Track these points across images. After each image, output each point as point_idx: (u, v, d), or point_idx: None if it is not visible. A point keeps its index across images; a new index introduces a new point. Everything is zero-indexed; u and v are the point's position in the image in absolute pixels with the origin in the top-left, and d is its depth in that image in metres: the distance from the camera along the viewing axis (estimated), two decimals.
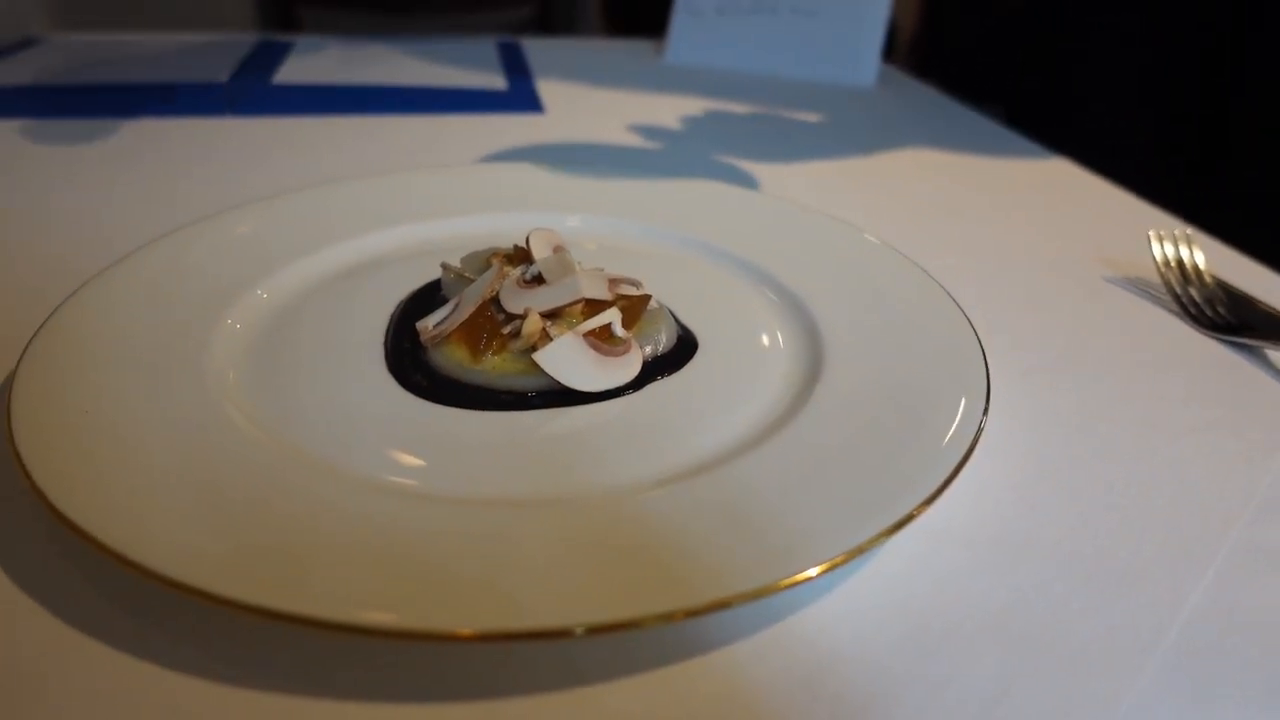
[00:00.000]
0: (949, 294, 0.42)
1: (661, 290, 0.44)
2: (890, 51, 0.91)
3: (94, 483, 0.28)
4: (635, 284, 0.42)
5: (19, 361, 0.33)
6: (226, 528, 0.27)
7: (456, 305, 0.38)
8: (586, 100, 0.81)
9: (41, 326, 0.35)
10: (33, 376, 0.32)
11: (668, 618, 0.25)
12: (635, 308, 0.39)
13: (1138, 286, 0.50)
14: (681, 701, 0.25)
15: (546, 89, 0.82)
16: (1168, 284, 0.48)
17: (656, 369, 0.38)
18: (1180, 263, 0.49)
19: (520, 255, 0.43)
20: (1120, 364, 0.43)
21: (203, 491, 0.29)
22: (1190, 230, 0.53)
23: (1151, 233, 0.49)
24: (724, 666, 0.26)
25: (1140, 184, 0.66)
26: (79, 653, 0.26)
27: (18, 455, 0.29)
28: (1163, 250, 0.48)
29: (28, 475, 0.28)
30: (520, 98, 0.78)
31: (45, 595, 0.27)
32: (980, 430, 0.33)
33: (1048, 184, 0.66)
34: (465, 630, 0.24)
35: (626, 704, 0.25)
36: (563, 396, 0.36)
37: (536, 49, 0.96)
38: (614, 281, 0.41)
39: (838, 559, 0.27)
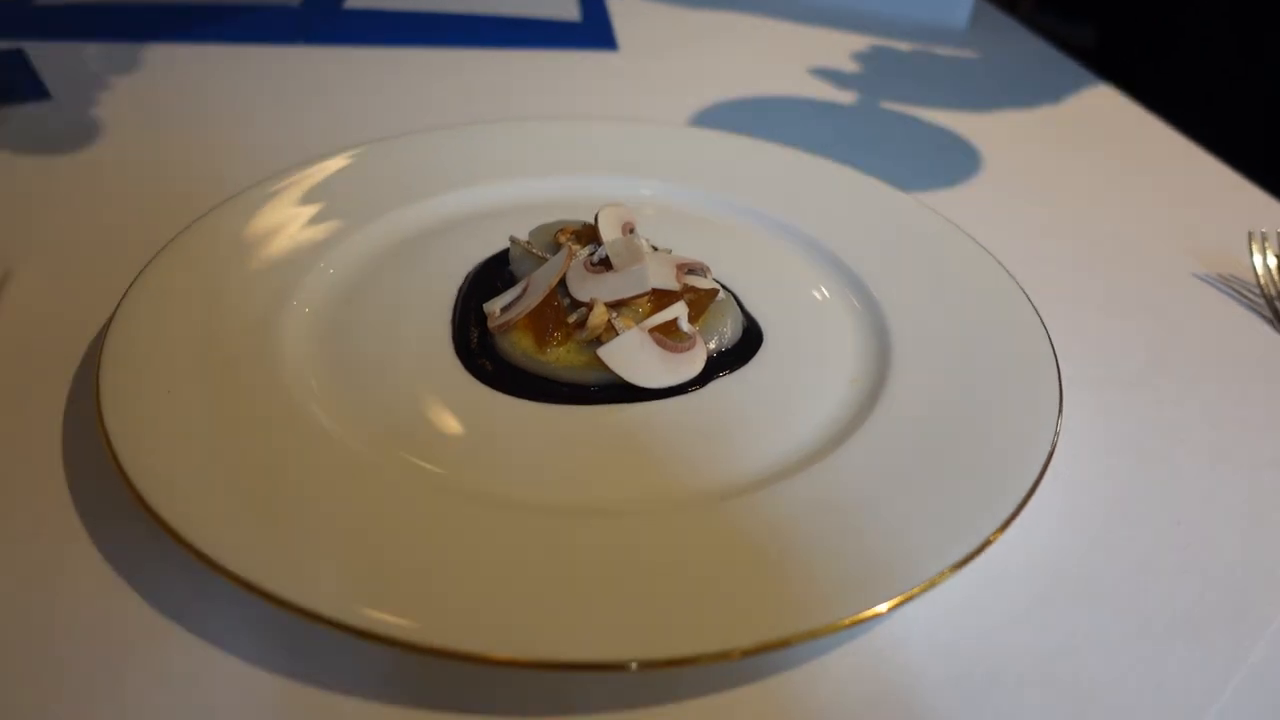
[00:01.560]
0: (1027, 296, 0.41)
1: (730, 268, 0.43)
2: None
3: (173, 468, 0.29)
4: (704, 269, 0.41)
5: (104, 339, 0.34)
6: (284, 520, 0.28)
7: (524, 291, 0.38)
8: (662, 34, 0.78)
9: (120, 302, 0.36)
10: (115, 360, 0.33)
11: (723, 656, 0.25)
12: (702, 301, 0.39)
13: (1229, 286, 0.48)
14: None
15: (620, 18, 0.80)
16: (1263, 289, 0.46)
17: (720, 364, 0.38)
18: None
19: (589, 233, 0.42)
20: (1202, 381, 0.41)
21: (273, 485, 0.29)
22: None
23: (1251, 233, 0.47)
24: (769, 696, 0.27)
25: (1227, 141, 0.62)
26: (160, 634, 0.27)
27: (107, 435, 0.30)
28: (1263, 259, 0.46)
29: (115, 458, 0.29)
30: (593, 32, 0.76)
31: (132, 574, 0.29)
32: (1049, 461, 0.32)
33: (1143, 153, 0.63)
34: (507, 655, 0.25)
35: None
36: (624, 391, 0.36)
37: None
38: (682, 267, 0.40)
39: (900, 598, 0.27)
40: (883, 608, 0.27)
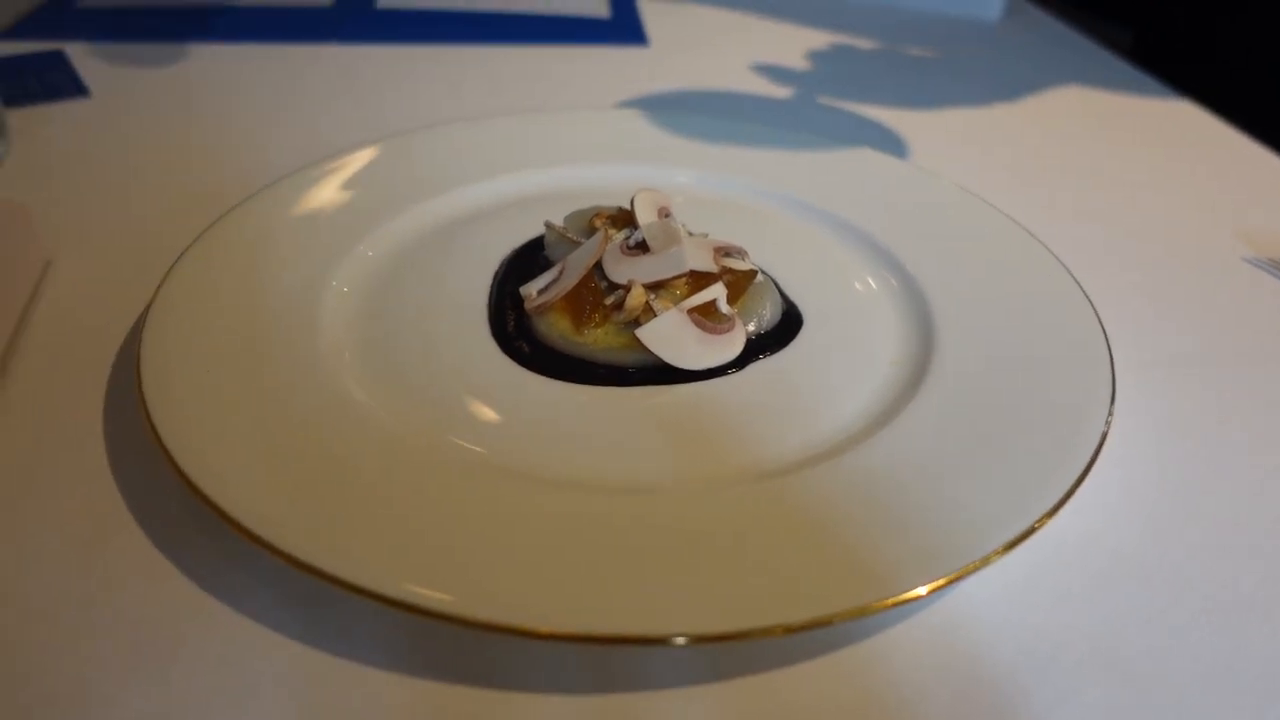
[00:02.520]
0: (1074, 278, 0.40)
1: (767, 254, 0.43)
2: None
3: (214, 446, 0.29)
4: (741, 252, 0.40)
5: (144, 322, 0.34)
6: (316, 491, 0.28)
7: (560, 273, 0.38)
8: (692, 30, 0.77)
9: (159, 287, 0.36)
10: (157, 339, 0.33)
11: (767, 632, 0.25)
12: (741, 283, 0.38)
13: None
14: (771, 713, 0.26)
15: (650, 15, 0.79)
16: None
17: (760, 346, 0.38)
18: None
19: (624, 218, 0.42)
20: (1257, 363, 0.40)
21: (314, 461, 0.29)
22: None
23: None
24: (820, 677, 0.26)
25: (1270, 132, 0.61)
26: (208, 615, 0.27)
27: (148, 414, 0.30)
28: None
29: (156, 434, 0.29)
30: (623, 28, 0.76)
31: (176, 554, 0.29)
32: (1103, 441, 0.31)
33: (1185, 140, 0.62)
34: (551, 629, 0.24)
35: (710, 713, 0.26)
36: (662, 373, 0.36)
37: None
38: (719, 250, 0.40)
39: (944, 580, 0.26)
40: (923, 590, 0.26)
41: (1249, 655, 0.27)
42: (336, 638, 0.27)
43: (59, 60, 0.63)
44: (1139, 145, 0.61)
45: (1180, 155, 0.59)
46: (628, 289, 0.37)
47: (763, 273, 0.41)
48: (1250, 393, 0.38)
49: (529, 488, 0.30)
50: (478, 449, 0.32)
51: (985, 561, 0.27)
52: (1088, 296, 0.39)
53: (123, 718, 0.24)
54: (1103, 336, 0.36)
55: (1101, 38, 0.81)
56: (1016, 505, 0.28)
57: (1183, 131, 0.63)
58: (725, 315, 0.37)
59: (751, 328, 0.38)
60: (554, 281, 0.38)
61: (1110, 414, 0.32)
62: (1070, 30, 0.83)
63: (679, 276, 0.38)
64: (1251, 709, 0.26)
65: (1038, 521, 0.28)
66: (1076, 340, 0.36)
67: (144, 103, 0.59)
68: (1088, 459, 0.30)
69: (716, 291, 0.37)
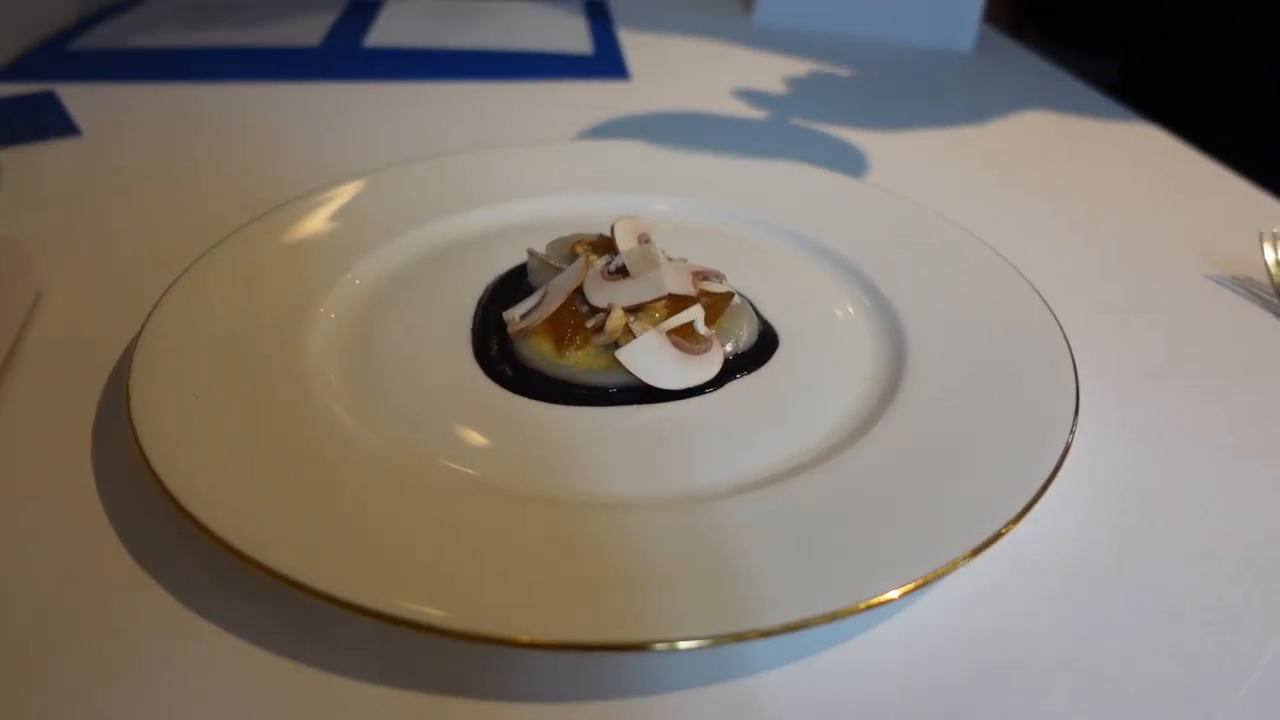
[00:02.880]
0: (1041, 297, 0.41)
1: (744, 279, 0.44)
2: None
3: (202, 468, 0.30)
4: (719, 276, 0.42)
5: (134, 348, 0.35)
6: (304, 512, 0.29)
7: (543, 297, 0.39)
8: (672, 66, 0.79)
9: (149, 316, 0.37)
10: (146, 364, 0.34)
11: (743, 637, 0.25)
12: (718, 305, 0.40)
13: (1244, 288, 0.48)
14: (748, 716, 0.26)
15: (632, 50, 0.82)
16: (1277, 288, 0.46)
17: (737, 367, 0.39)
18: None
19: (605, 244, 0.43)
20: (1221, 379, 0.41)
21: (299, 482, 0.30)
22: None
23: (1263, 233, 0.47)
24: (786, 685, 0.27)
25: (1259, 167, 0.63)
26: (195, 634, 0.28)
27: (136, 439, 0.31)
28: (1275, 253, 0.46)
29: (144, 458, 0.30)
30: (606, 63, 0.77)
31: (160, 572, 0.30)
32: (1067, 450, 0.32)
33: (1152, 163, 0.64)
34: (531, 638, 0.25)
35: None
36: (642, 393, 0.37)
37: (621, 5, 0.95)
38: (697, 274, 0.41)
39: (913, 584, 0.27)
40: (894, 594, 0.27)
41: (1208, 657, 0.28)
42: (321, 653, 0.27)
43: (50, 101, 0.64)
44: (1106, 168, 0.62)
45: (1146, 178, 0.61)
46: (608, 312, 0.38)
47: (740, 295, 0.42)
48: (1213, 404, 0.39)
49: (514, 505, 0.30)
50: (462, 469, 0.33)
51: (953, 566, 0.28)
52: (1053, 313, 0.40)
53: None
54: (1067, 351, 0.37)
55: (1082, 71, 0.83)
56: (983, 512, 0.29)
57: (1149, 155, 0.65)
58: (703, 336, 0.38)
59: (729, 348, 0.39)
60: (536, 306, 0.39)
61: (1074, 426, 0.33)
62: (1041, 60, 0.86)
63: (658, 299, 0.39)
64: (1207, 707, 0.27)
65: (1004, 527, 0.29)
66: (1043, 355, 0.37)
67: (134, 140, 0.60)
68: (1051, 468, 0.31)
69: (694, 313, 0.38)
